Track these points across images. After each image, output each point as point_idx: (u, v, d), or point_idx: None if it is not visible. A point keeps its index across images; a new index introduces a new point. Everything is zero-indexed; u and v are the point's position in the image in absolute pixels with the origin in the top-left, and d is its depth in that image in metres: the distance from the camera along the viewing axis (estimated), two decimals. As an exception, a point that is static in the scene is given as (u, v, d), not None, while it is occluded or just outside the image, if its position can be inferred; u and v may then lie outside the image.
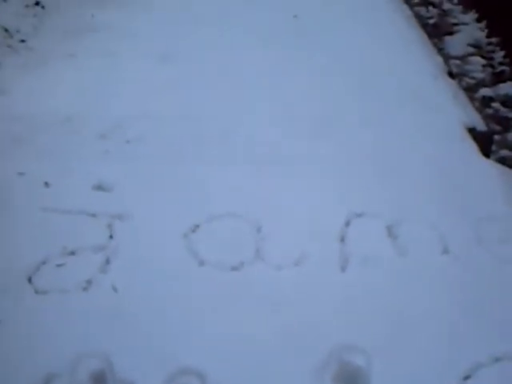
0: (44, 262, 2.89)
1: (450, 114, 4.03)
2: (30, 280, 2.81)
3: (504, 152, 4.51)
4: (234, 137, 3.77)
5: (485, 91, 5.27)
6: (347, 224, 3.13)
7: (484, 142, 3.89)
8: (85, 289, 2.78)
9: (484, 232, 3.11)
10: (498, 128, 4.76)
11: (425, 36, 5.27)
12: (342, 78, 4.38)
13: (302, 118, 3.96)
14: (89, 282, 2.80)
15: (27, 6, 5.04)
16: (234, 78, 4.40)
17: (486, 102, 5.14)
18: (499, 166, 3.66)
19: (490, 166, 3.60)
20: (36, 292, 2.76)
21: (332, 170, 3.49)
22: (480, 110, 4.72)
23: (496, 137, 4.50)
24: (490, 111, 5.02)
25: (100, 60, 4.57)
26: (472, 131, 3.90)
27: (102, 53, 4.66)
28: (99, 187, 3.34)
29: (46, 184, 3.32)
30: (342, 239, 3.05)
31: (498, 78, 5.49)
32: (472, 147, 3.73)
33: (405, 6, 5.78)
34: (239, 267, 2.90)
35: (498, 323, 2.65)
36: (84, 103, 4.05)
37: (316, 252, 2.97)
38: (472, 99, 4.90)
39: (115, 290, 2.77)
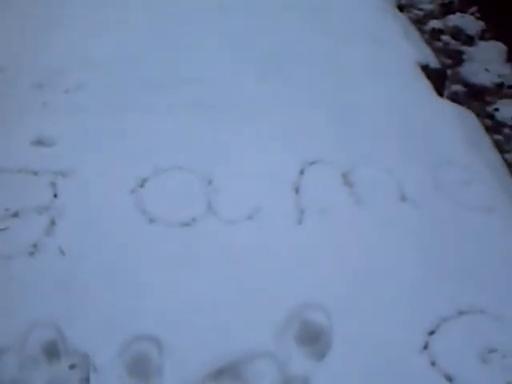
0: (-15, 227, 2.73)
1: (402, 51, 3.90)
2: (-29, 247, 2.65)
3: (456, 87, 4.45)
4: (178, 80, 3.59)
5: (434, 23, 5.17)
6: (301, 172, 3.02)
7: (438, 80, 3.79)
8: (31, 253, 2.63)
9: (442, 176, 3.04)
10: (448, 62, 4.68)
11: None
12: (288, 15, 4.21)
13: (249, 57, 3.80)
14: (35, 246, 2.66)
15: None
16: (176, 13, 4.20)
17: (436, 34, 5.05)
18: (455, 106, 3.57)
19: (446, 107, 3.50)
20: (-22, 259, 2.61)
21: (282, 114, 3.35)
22: (430, 43, 4.63)
23: (448, 71, 4.42)
24: (439, 44, 4.93)
25: (33, 1, 4.30)
26: (425, 69, 3.80)
27: (34, -6, 4.39)
28: (39, 142, 3.15)
29: (-18, 141, 3.13)
30: (297, 189, 2.95)
31: (447, 9, 5.39)
32: (426, 87, 3.62)
33: None
34: (191, 223, 2.78)
35: (460, 274, 2.60)
36: (17, 50, 3.79)
37: (270, 204, 2.86)
38: (421, 32, 4.80)
39: (62, 253, 2.64)
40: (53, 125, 3.23)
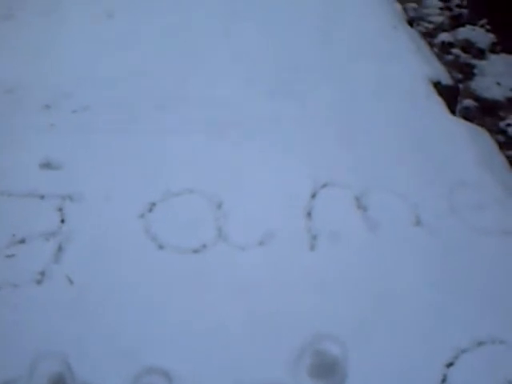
0: (-8, 253, 2.68)
1: (414, 67, 3.81)
2: (-23, 275, 2.60)
3: (468, 102, 4.39)
4: (189, 98, 3.53)
5: (444, 36, 5.11)
6: (313, 196, 2.96)
7: (450, 97, 3.72)
8: (38, 282, 2.58)
9: (457, 200, 2.97)
10: (459, 76, 4.62)
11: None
12: (299, 31, 4.13)
13: (260, 75, 3.72)
14: (42, 273, 2.61)
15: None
16: (187, 29, 4.13)
17: (446, 47, 4.99)
18: (468, 124, 3.49)
19: (459, 126, 3.42)
20: (-15, 288, 2.55)
21: (293, 135, 3.28)
22: (440, 57, 4.57)
23: (459, 86, 4.36)
24: (450, 58, 4.87)
25: (40, 19, 4.24)
26: (437, 86, 3.73)
27: (42, 11, 4.32)
28: (46, 165, 3.10)
29: (-11, 164, 3.08)
30: (309, 213, 2.89)
31: (457, 22, 5.33)
32: (438, 104, 3.54)
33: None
34: (201, 249, 2.73)
35: (479, 302, 2.54)
36: (25, 70, 3.72)
37: (282, 229, 2.80)
38: (431, 45, 4.75)
39: (71, 281, 2.59)
40: (60, 147, 3.18)
